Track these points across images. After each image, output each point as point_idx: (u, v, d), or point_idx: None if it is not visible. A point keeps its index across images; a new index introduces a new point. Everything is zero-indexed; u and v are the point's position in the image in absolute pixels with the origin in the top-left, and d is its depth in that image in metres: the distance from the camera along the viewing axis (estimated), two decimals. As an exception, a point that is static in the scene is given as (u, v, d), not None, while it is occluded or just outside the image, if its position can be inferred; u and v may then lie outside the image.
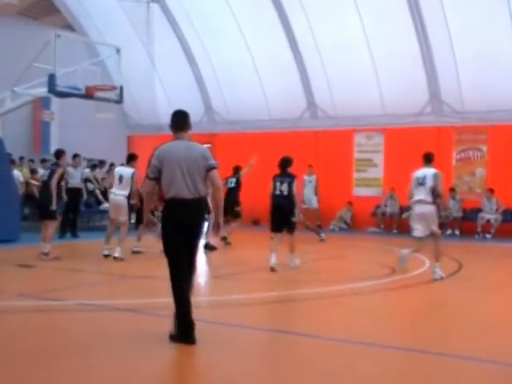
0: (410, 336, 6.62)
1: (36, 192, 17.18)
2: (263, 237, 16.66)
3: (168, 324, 5.95)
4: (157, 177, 6.02)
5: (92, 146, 19.67)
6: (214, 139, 21.95)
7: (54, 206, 11.41)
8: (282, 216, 10.66)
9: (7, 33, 19.02)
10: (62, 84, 13.63)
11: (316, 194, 19.04)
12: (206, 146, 12.03)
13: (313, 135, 19.96)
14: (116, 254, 11.45)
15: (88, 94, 14.05)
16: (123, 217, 11.74)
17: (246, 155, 20.81)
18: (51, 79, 13.35)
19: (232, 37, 19.67)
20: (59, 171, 11.63)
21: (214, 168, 6.13)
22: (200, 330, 5.81)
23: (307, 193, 19.19)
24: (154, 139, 16.58)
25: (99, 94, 14.20)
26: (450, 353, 5.83)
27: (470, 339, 6.41)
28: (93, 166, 18.96)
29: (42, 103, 19.48)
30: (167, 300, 6.06)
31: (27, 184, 17.37)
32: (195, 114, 21.60)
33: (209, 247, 13.03)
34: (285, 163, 10.91)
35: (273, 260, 10.43)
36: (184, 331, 5.78)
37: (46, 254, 11.34)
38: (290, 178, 10.77)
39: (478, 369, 5.44)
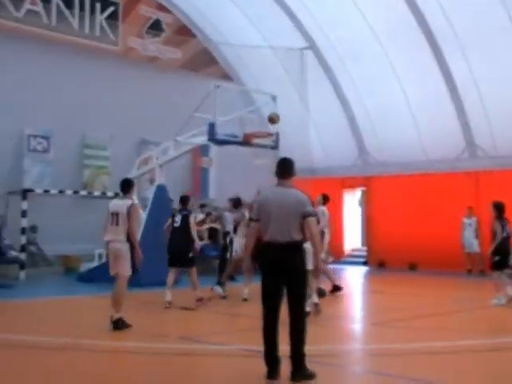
0: None
1: (195, 236, 17.83)
2: (420, 282, 16.12)
3: (326, 373, 5.82)
4: (258, 219, 6.55)
5: (249, 190, 20.14)
6: (368, 182, 21.72)
7: (192, 253, 11.47)
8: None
9: (171, 86, 20.19)
10: (220, 132, 14.12)
11: (477, 237, 18.25)
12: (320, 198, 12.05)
13: (472, 176, 19.07)
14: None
15: (245, 142, 14.45)
16: None
17: (402, 198, 20.44)
18: (211, 128, 13.86)
19: (386, 79, 19.48)
20: (192, 216, 11.86)
21: (309, 215, 6.39)
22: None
23: (467, 236, 18.43)
24: (308, 183, 16.72)
25: (256, 140, 14.56)
26: None
27: None
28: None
29: (201, 150, 20.31)
30: (327, 347, 5.96)
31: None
32: (349, 157, 21.61)
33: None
34: (503, 207, 11.96)
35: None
36: (269, 367, 6.20)
37: (200, 300, 11.32)
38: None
39: None
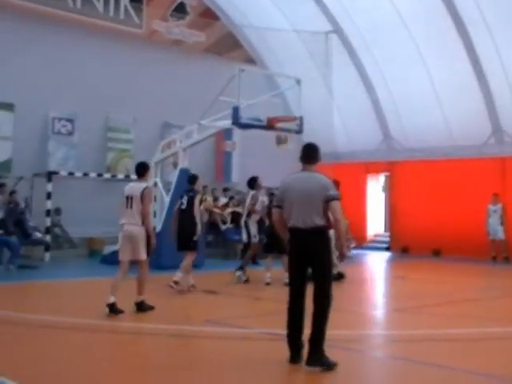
0: None
1: (219, 220, 17.90)
2: (444, 268, 16.00)
3: (345, 357, 5.82)
4: (280, 205, 6.51)
5: (272, 175, 20.09)
6: (392, 167, 21.56)
7: (196, 237, 11.02)
8: None
9: (195, 69, 20.16)
10: (244, 116, 14.06)
11: (502, 224, 18.07)
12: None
13: (499, 162, 18.83)
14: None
15: (269, 126, 14.37)
16: None
17: (427, 183, 20.26)
18: (235, 112, 13.80)
19: (411, 63, 19.23)
20: (198, 198, 11.22)
21: (333, 199, 6.31)
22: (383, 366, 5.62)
23: (492, 223, 18.26)
24: (331, 168, 16.62)
25: (280, 125, 14.49)
26: None
27: None
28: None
29: (225, 134, 20.26)
30: (348, 332, 5.94)
31: (210, 212, 18.10)
32: (373, 142, 21.43)
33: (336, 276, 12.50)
34: None
35: None
36: (292, 351, 6.22)
37: (176, 283, 10.90)
38: None
39: None
